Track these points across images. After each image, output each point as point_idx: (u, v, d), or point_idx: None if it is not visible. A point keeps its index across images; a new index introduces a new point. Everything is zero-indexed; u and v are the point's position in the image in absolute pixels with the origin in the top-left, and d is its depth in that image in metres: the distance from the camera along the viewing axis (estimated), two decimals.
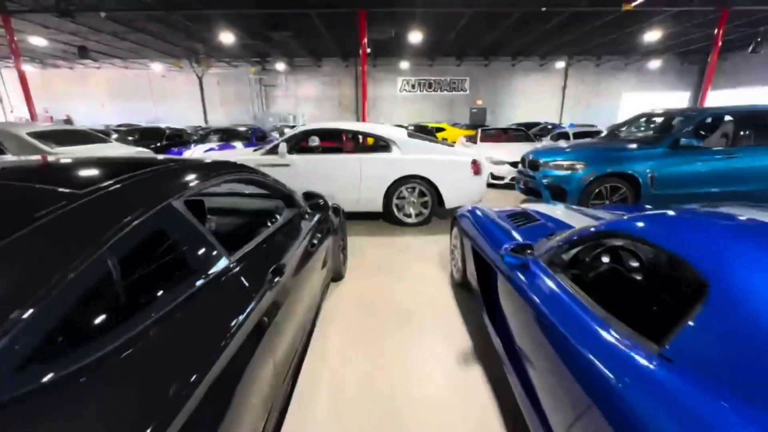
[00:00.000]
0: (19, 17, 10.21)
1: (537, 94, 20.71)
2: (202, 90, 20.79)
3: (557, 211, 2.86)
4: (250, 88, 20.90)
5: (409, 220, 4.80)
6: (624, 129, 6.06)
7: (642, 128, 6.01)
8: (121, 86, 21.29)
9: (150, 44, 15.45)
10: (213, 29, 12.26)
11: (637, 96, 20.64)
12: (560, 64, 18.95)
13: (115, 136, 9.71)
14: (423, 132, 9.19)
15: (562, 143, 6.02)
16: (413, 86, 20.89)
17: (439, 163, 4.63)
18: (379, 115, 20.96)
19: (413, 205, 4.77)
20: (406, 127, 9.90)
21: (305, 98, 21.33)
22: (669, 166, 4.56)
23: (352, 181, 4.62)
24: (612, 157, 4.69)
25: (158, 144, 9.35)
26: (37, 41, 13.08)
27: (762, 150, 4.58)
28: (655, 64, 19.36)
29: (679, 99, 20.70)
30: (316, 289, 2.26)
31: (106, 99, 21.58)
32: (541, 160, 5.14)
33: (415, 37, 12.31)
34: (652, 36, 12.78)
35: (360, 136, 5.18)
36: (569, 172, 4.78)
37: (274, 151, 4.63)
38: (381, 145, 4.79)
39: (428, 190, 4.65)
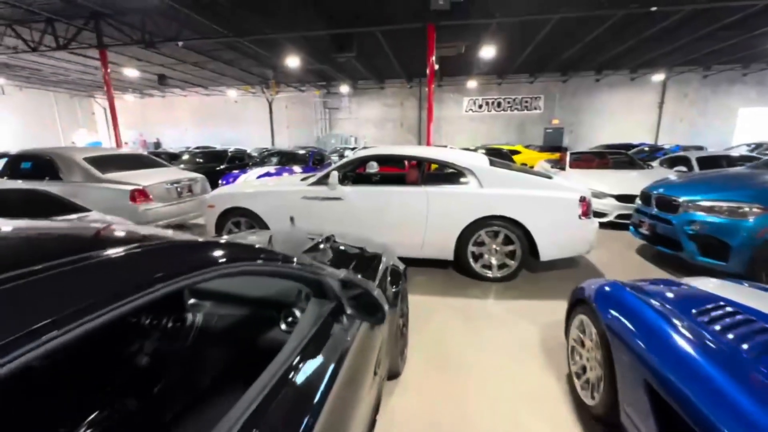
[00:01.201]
0: (113, 50, 11.19)
1: (626, 112, 18.15)
2: (271, 113, 21.75)
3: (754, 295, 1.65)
4: (314, 110, 21.37)
5: (488, 274, 3.63)
6: None
7: None
8: (202, 112, 23.17)
9: (226, 72, 16.42)
10: (280, 54, 12.45)
11: (759, 112, 17.06)
12: (657, 78, 16.36)
13: (186, 157, 10.01)
14: (496, 155, 7.98)
15: (698, 173, 4.42)
16: (480, 106, 19.65)
17: (533, 201, 3.45)
18: (442, 137, 19.98)
19: (495, 254, 3.61)
20: (474, 150, 8.77)
21: (366, 120, 21.20)
22: None
23: (417, 221, 3.62)
24: None
25: (221, 166, 9.35)
26: (130, 72, 14.45)
27: None
28: None
29: None
30: None
31: (189, 123, 23.63)
32: (682, 198, 3.67)
33: (487, 52, 11.24)
34: None
35: (427, 164, 4.22)
36: (734, 218, 3.27)
37: (323, 181, 3.84)
38: (454, 175, 3.75)
39: (517, 235, 3.47)
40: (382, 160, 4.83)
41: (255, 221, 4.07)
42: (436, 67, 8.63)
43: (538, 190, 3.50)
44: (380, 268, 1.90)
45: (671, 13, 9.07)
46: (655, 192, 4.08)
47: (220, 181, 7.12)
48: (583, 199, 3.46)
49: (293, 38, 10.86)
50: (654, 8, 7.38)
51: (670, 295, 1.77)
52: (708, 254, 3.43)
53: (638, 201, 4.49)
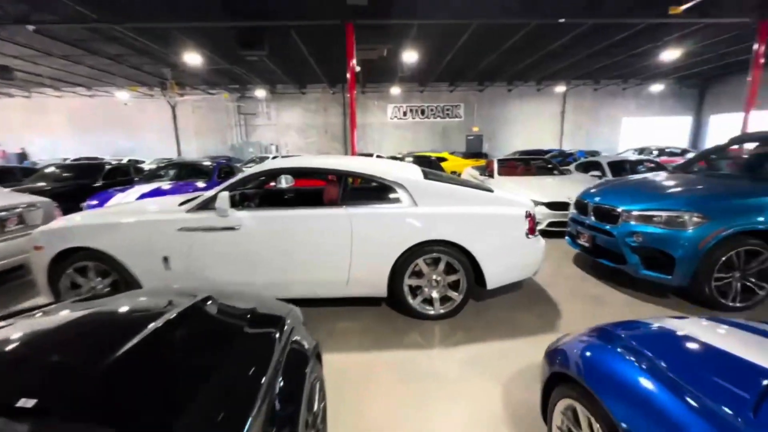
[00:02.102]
0: None
1: (535, 120, 19.71)
2: (175, 119, 19.13)
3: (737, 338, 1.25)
4: (227, 116, 19.34)
5: (430, 311, 2.97)
6: (714, 158, 4.49)
7: (743, 158, 4.41)
8: (85, 116, 19.46)
9: (112, 69, 13.84)
10: (178, 50, 10.72)
11: (636, 121, 19.83)
12: (558, 89, 18.06)
13: (48, 171, 7.82)
14: (426, 164, 7.59)
15: (628, 180, 4.37)
16: (404, 113, 19.68)
17: (477, 220, 2.89)
18: (368, 143, 19.56)
19: (437, 286, 2.97)
20: (401, 158, 8.31)
21: (288, 127, 19.85)
22: None
23: (339, 252, 2.82)
24: (743, 205, 3.02)
25: (96, 183, 7.45)
26: None
27: None
28: (655, 88, 18.66)
29: (679, 123, 19.96)
30: None
31: (68, 130, 19.66)
32: (621, 208, 3.45)
33: (410, 56, 11.01)
34: (665, 56, 11.76)
35: (350, 179, 3.45)
36: (674, 228, 3.08)
37: (209, 205, 2.83)
38: (383, 191, 3.03)
39: (461, 262, 2.87)
40: (294, 174, 3.95)
41: (111, 266, 2.87)
42: (358, 69, 8.02)
43: (481, 207, 2.95)
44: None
45: (572, 29, 9.74)
46: (591, 201, 3.86)
47: (83, 205, 5.47)
48: (528, 215, 3.01)
49: (191, 32, 9.35)
50: (562, 20, 7.71)
51: (682, 358, 1.25)
52: (652, 267, 3.21)
53: (573, 210, 4.28)
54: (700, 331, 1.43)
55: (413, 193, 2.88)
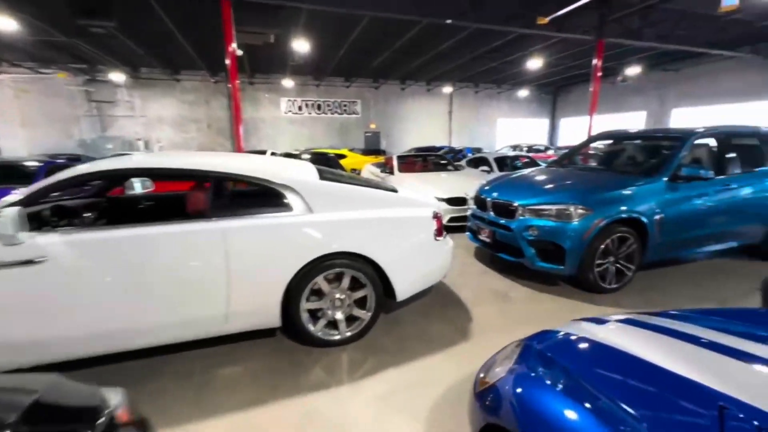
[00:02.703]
0: None
1: (426, 119, 20.82)
2: None
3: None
4: (71, 103, 15.47)
5: (335, 336, 2.51)
6: (576, 155, 5.02)
7: (604, 153, 5.02)
8: None
9: None
10: None
11: (509, 121, 22.64)
12: (446, 90, 19.38)
13: None
14: (323, 162, 7.06)
15: (521, 175, 4.60)
16: (300, 108, 18.66)
17: (383, 225, 2.53)
18: (262, 140, 18.01)
19: (341, 305, 2.52)
20: (297, 156, 7.61)
21: (160, 120, 16.92)
22: (673, 204, 3.42)
23: (208, 280, 2.14)
24: (615, 197, 3.32)
25: None
26: None
27: (754, 176, 3.86)
28: (522, 93, 21.51)
29: (541, 125, 23.50)
30: None
31: None
32: (517, 203, 3.52)
33: (301, 46, 10.24)
34: (530, 64, 13.49)
35: (226, 182, 2.75)
36: (563, 221, 3.23)
37: None
38: (269, 197, 2.42)
39: (367, 275, 2.48)
40: (145, 175, 3.01)
41: None
42: (239, 53, 6.98)
43: (387, 210, 2.59)
44: None
45: (457, 32, 10.33)
46: (489, 197, 3.90)
47: None
48: (436, 215, 2.78)
49: None
50: (449, 21, 8.02)
51: (630, 390, 1.07)
52: (547, 259, 3.34)
53: (473, 206, 4.31)
54: (627, 340, 1.30)
55: (307, 198, 2.36)
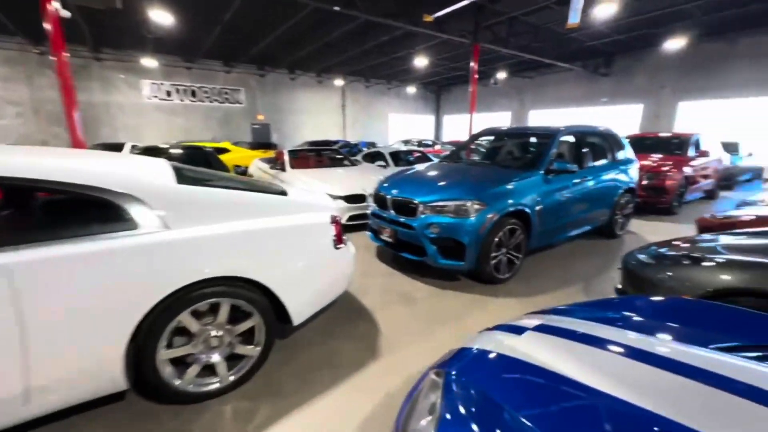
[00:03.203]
0: None
1: (320, 112, 20.14)
2: None
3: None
4: None
5: (213, 385, 1.95)
6: (465, 150, 5.25)
7: (488, 149, 5.32)
8: None
9: None
10: None
11: (400, 117, 23.57)
12: (338, 82, 18.98)
13: None
14: (192, 158, 5.93)
15: (418, 171, 4.55)
16: (168, 93, 15.93)
17: (270, 238, 2.06)
18: (119, 130, 14.86)
19: (219, 345, 1.96)
20: (164, 150, 6.27)
21: None
22: (549, 195, 3.77)
23: None
24: (505, 191, 3.46)
25: None
26: None
27: (600, 168, 4.54)
28: (410, 90, 22.55)
29: (428, 121, 25.12)
30: None
31: None
32: (417, 200, 3.41)
33: (161, 17, 8.54)
34: (416, 62, 14.09)
35: (30, 192, 1.89)
36: (461, 217, 3.24)
37: None
38: (101, 210, 1.70)
39: (252, 301, 1.98)
40: None
41: None
42: (65, 14, 5.27)
43: (273, 218, 2.12)
44: None
45: (346, 22, 10.03)
46: (389, 194, 3.71)
47: None
48: (334, 220, 2.42)
49: None
50: (337, 8, 7.63)
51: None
52: (448, 256, 3.32)
53: (372, 204, 4.09)
54: (552, 356, 1.19)
55: (160, 209, 1.73)
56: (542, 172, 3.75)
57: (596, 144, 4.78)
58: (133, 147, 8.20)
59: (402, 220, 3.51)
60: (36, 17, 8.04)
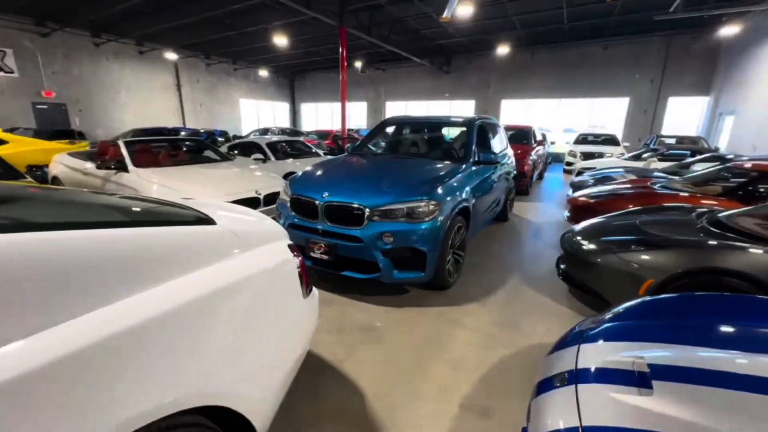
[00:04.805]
0: None
1: (146, 91, 15.91)
2: None
3: None
4: None
5: None
6: (373, 142, 4.70)
7: (398, 140, 4.85)
8: None
9: None
10: None
11: (251, 103, 21.10)
12: (170, 56, 15.24)
13: None
14: None
15: (332, 167, 3.73)
16: None
17: (218, 315, 1.07)
18: None
19: None
20: None
21: None
22: (479, 188, 3.66)
23: None
24: (451, 186, 3.11)
25: None
26: None
27: (502, 156, 4.74)
28: (262, 73, 20.29)
29: (282, 108, 23.34)
30: None
31: None
32: (362, 204, 2.71)
33: None
34: (275, 41, 12.55)
35: None
36: (420, 221, 2.73)
37: None
38: None
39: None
40: None
41: None
42: None
43: (204, 274, 1.12)
44: None
45: None
46: (318, 199, 2.87)
47: None
48: (292, 249, 1.56)
49: None
50: None
51: None
52: (405, 268, 2.77)
53: (289, 212, 3.13)
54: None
55: None
56: (472, 163, 3.59)
57: (495, 134, 5.01)
58: None
59: (345, 231, 2.75)
60: None
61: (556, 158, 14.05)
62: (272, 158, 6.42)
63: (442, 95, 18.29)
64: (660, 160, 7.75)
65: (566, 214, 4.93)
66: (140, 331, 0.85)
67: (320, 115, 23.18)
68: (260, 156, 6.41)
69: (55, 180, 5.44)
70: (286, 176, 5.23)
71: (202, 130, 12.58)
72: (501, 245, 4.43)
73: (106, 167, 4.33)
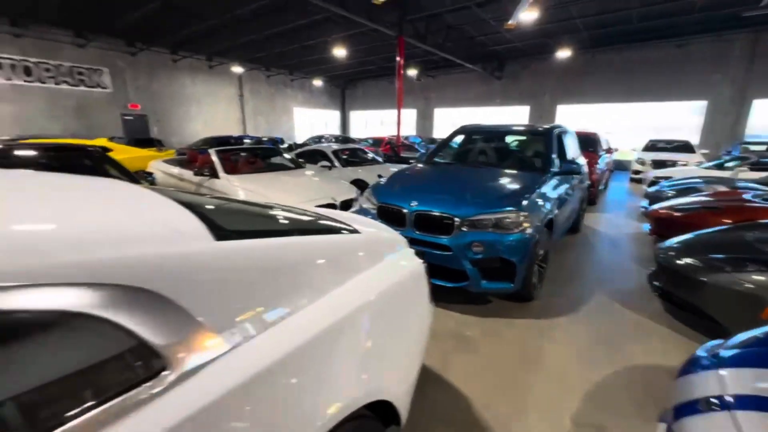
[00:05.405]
0: None
1: (212, 103, 17.29)
2: None
3: None
4: None
5: None
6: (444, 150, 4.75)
7: (470, 149, 4.86)
8: None
9: None
10: None
11: (305, 112, 22.07)
12: (235, 69, 16.49)
13: None
14: (77, 164, 4.03)
15: (414, 176, 3.84)
16: None
17: (378, 315, 1.18)
18: None
19: None
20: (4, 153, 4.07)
21: None
22: (561, 198, 3.55)
23: None
24: (538, 197, 3.08)
25: None
26: None
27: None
28: (316, 83, 21.21)
29: (333, 116, 24.17)
30: None
31: None
32: (454, 213, 2.77)
33: None
34: (333, 53, 13.10)
35: None
36: (510, 232, 2.73)
37: None
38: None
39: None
40: None
41: None
42: None
43: (367, 278, 1.23)
44: None
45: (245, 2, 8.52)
46: (407, 207, 2.97)
47: None
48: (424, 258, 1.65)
49: None
50: None
51: None
52: (492, 278, 2.78)
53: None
54: None
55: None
56: (551, 173, 3.52)
57: (571, 143, 4.86)
58: None
59: (431, 239, 2.82)
60: None
61: (619, 165, 13.21)
62: (338, 165, 6.69)
63: (493, 101, 17.93)
64: (750, 169, 7.02)
65: (646, 227, 4.64)
66: (345, 321, 0.99)
67: (369, 123, 23.68)
68: (326, 163, 6.70)
69: (154, 183, 6.08)
70: (353, 183, 5.44)
71: (265, 138, 13.39)
72: (577, 257, 4.27)
73: (201, 174, 4.79)
